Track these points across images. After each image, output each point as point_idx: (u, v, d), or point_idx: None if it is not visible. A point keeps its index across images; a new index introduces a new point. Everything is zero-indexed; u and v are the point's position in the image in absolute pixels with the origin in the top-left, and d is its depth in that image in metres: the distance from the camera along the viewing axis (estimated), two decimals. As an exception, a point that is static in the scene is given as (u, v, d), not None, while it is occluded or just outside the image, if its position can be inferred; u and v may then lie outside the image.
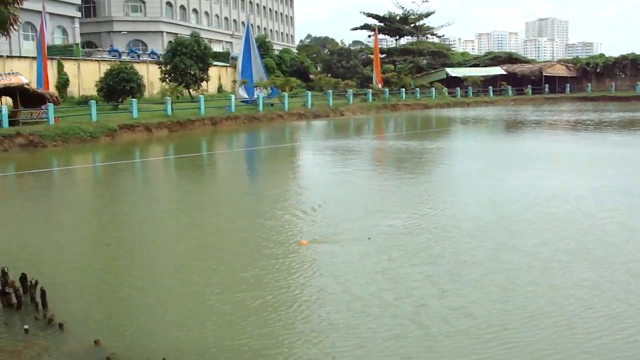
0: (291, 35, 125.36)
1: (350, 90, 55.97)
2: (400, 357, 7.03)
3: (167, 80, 47.13)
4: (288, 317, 8.20)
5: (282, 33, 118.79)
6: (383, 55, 77.57)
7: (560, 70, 78.98)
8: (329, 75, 67.93)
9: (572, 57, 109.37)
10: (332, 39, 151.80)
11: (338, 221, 13.38)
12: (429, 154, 26.25)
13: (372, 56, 71.00)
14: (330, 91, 52.92)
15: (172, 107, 38.75)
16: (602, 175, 19.31)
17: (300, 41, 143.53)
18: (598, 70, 78.13)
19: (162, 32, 77.05)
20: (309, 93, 50.48)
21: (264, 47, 65.61)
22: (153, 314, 8.41)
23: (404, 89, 61.62)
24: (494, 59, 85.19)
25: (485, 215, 13.88)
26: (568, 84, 76.88)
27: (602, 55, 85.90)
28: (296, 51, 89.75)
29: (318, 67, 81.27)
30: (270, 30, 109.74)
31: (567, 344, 7.26)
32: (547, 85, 75.43)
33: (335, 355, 7.07)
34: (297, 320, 8.09)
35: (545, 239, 11.69)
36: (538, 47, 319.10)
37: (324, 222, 13.35)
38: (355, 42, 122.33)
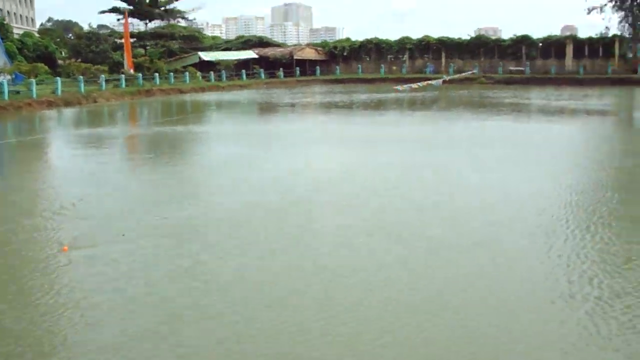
0: (32, 19, 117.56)
1: (103, 75, 53.78)
2: None
3: None
4: (98, 334, 7.32)
5: (21, 15, 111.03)
6: (133, 40, 75.41)
7: (310, 54, 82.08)
8: (79, 60, 64.80)
9: (317, 42, 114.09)
10: (75, 22, 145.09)
11: (105, 219, 12.07)
12: (194, 139, 25.89)
13: (122, 40, 68.79)
14: (81, 77, 50.49)
15: None
16: (378, 153, 20.33)
17: (41, 24, 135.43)
18: (345, 54, 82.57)
19: None
20: (59, 79, 47.65)
21: (2, 30, 60.97)
22: None
23: (157, 74, 60.42)
24: (245, 43, 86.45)
25: (275, 198, 13.74)
26: (318, 67, 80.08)
27: (348, 39, 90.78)
28: (38, 35, 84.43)
29: (63, 52, 77.23)
30: (8, 12, 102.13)
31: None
32: (298, 68, 77.83)
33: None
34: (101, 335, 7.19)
35: (346, 221, 11.76)
36: (284, 32, 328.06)
37: (88, 221, 11.98)
38: (101, 26, 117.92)
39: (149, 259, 9.76)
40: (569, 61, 73.58)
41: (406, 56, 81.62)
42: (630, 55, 72.66)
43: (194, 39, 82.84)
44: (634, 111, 41.59)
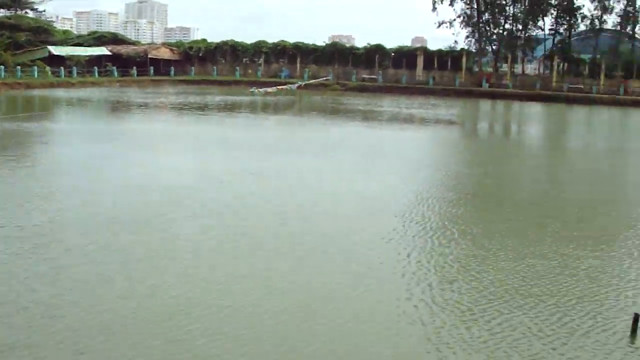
0: None
1: (-59, 66, 50.49)
2: None
3: None
4: None
5: None
6: (-24, 29, 71.25)
7: (165, 53, 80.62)
8: None
9: (172, 41, 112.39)
10: None
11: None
12: (39, 138, 24.68)
13: (-37, 29, 64.86)
14: None
15: None
16: (232, 157, 20.36)
17: None
18: (201, 55, 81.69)
19: None
20: None
21: None
22: None
23: (3, 67, 57.33)
24: (98, 39, 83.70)
25: (130, 202, 13.43)
26: (172, 67, 78.74)
27: (204, 40, 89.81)
28: None
29: None
30: None
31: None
32: (152, 67, 76.16)
33: None
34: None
35: (207, 224, 11.77)
36: (138, 29, 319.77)
37: None
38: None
39: (3, 265, 9.30)
40: (420, 71, 76.36)
41: (262, 60, 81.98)
42: (476, 69, 76.56)
43: (44, 32, 79.10)
44: (478, 122, 43.76)
